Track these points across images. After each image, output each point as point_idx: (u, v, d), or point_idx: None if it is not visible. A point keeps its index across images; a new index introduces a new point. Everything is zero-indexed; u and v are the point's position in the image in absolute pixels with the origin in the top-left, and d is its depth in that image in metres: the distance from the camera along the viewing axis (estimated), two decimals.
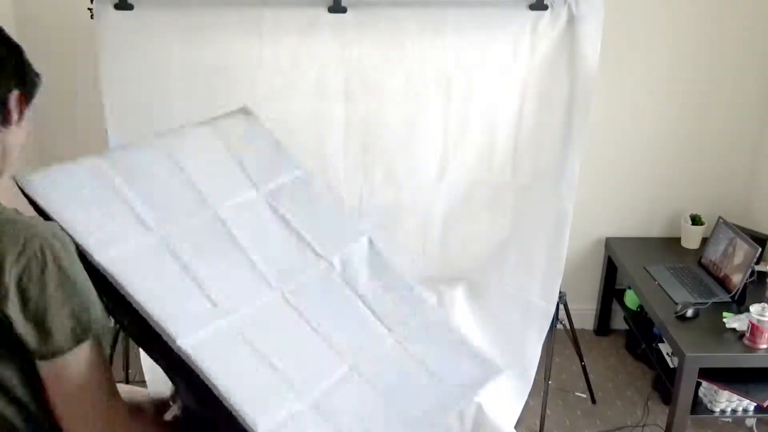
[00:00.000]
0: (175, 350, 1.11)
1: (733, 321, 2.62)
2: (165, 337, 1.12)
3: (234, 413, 1.08)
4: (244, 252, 1.29)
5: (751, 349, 2.49)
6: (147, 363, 2.67)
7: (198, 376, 1.10)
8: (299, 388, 1.16)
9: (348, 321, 1.30)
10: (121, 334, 2.76)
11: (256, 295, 1.25)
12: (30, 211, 1.18)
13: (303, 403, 1.15)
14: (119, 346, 2.83)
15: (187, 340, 1.11)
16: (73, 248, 1.11)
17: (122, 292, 1.13)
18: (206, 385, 1.10)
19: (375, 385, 1.21)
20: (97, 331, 1.10)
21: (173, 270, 1.20)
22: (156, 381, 2.67)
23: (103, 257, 1.14)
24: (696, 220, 3.23)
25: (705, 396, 2.68)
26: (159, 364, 1.33)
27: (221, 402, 1.09)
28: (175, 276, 1.20)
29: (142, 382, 2.72)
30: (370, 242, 1.44)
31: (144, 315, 1.13)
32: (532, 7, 2.51)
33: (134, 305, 1.13)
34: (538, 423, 2.80)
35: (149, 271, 1.17)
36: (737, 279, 2.77)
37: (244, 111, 1.59)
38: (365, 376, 1.21)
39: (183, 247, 1.23)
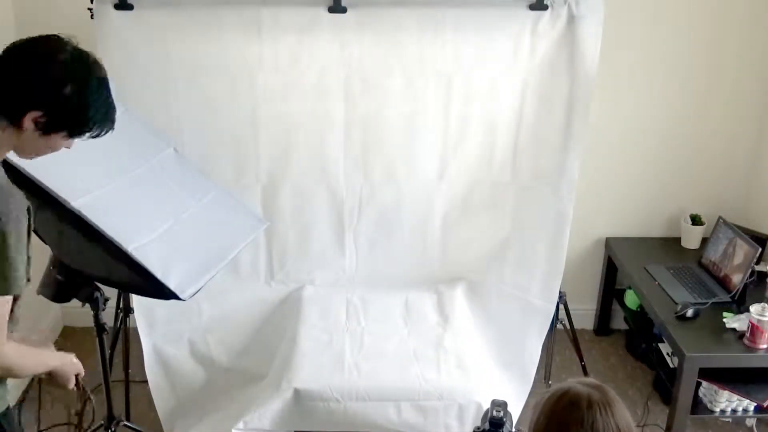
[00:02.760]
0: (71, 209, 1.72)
1: (733, 321, 2.62)
2: (62, 202, 1.71)
3: (112, 241, 1.74)
4: (104, 156, 1.96)
5: (751, 349, 2.49)
6: (149, 364, 2.67)
7: (86, 225, 1.72)
8: (151, 228, 1.89)
9: (170, 194, 2.09)
10: (122, 336, 2.76)
11: (111, 180, 1.97)
12: None
13: (154, 235, 1.88)
14: (119, 347, 2.83)
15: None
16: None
17: (36, 182, 1.71)
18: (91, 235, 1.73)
19: (191, 226, 2.02)
20: (15, 291, 1.43)
21: (71, 164, 1.77)
22: (156, 380, 2.68)
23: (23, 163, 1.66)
24: (696, 220, 3.23)
25: (705, 396, 2.68)
26: (51, 236, 1.91)
27: (104, 242, 1.73)
28: (75, 170, 1.82)
29: (144, 382, 2.72)
30: (176, 151, 2.22)
31: (45, 188, 1.70)
32: (532, 7, 2.51)
33: (44, 189, 1.71)
34: None
35: (56, 165, 1.75)
36: (737, 279, 2.77)
37: None
38: (183, 223, 2.01)
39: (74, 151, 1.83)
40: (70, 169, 1.83)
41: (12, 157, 1.69)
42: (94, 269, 1.95)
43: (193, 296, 1.84)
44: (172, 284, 1.78)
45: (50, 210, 1.74)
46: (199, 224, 2.03)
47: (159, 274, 1.77)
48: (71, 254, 1.93)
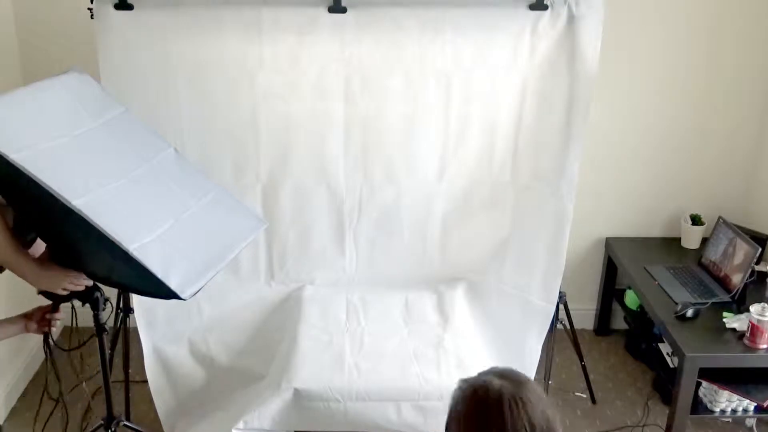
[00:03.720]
0: (73, 209, 1.70)
1: (733, 321, 2.62)
2: (63, 200, 1.69)
3: (113, 241, 1.72)
4: (105, 156, 1.98)
5: (751, 349, 2.49)
6: (149, 364, 2.67)
7: (87, 225, 1.71)
8: (151, 227, 1.86)
9: (170, 194, 2.05)
10: (122, 336, 2.76)
11: (112, 180, 1.94)
12: None
13: (154, 234, 1.85)
14: (119, 347, 2.83)
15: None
16: None
17: (35, 179, 1.69)
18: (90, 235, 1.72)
19: (191, 226, 1.99)
20: None
21: (72, 164, 1.83)
22: (156, 380, 2.68)
23: (18, 156, 1.70)
24: (696, 220, 3.23)
25: (705, 396, 2.68)
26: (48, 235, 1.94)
27: (105, 241, 1.72)
28: (76, 169, 1.83)
29: (144, 382, 2.72)
30: (176, 151, 2.18)
31: (46, 187, 1.69)
32: (532, 7, 2.51)
33: (45, 187, 1.69)
34: None
35: (57, 165, 1.79)
36: (737, 279, 2.77)
37: (77, 71, 2.17)
38: (184, 223, 1.97)
39: (75, 151, 1.90)
40: (71, 169, 1.84)
41: (12, 155, 1.70)
42: (95, 269, 1.96)
43: (193, 296, 1.84)
44: (172, 284, 1.78)
45: (51, 209, 1.74)
46: (200, 224, 2.02)
47: (160, 273, 1.77)
48: (72, 253, 1.93)
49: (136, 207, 1.91)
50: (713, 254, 2.97)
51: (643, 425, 2.90)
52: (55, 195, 1.71)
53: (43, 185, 1.71)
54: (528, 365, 2.77)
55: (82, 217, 1.72)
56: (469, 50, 2.59)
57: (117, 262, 1.77)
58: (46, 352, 2.13)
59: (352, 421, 2.37)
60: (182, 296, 1.80)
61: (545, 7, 2.50)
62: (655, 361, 3.10)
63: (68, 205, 1.71)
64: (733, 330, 2.59)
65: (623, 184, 3.28)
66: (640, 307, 3.20)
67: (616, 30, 2.91)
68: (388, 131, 2.71)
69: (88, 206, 1.75)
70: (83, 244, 1.81)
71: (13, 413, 2.86)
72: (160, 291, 1.79)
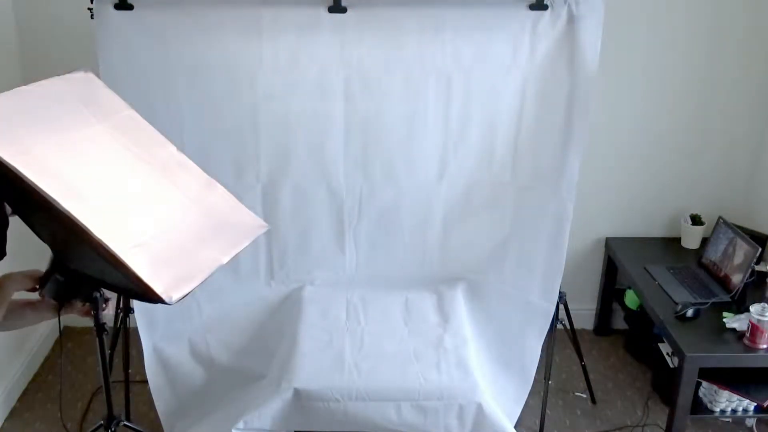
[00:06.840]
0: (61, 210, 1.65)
1: (733, 321, 2.62)
2: (53, 202, 1.63)
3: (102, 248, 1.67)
4: (104, 157, 1.94)
5: (751, 349, 2.49)
6: (149, 364, 2.67)
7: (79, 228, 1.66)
8: (145, 229, 1.83)
9: (167, 195, 2.00)
10: (122, 336, 2.76)
11: (109, 181, 1.91)
12: None
13: (146, 236, 1.81)
14: (119, 347, 2.83)
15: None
16: None
17: (27, 180, 1.63)
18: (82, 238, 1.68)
19: (188, 228, 1.94)
20: None
21: (69, 165, 1.79)
22: (156, 380, 2.68)
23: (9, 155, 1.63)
24: (696, 220, 3.23)
25: (705, 396, 2.68)
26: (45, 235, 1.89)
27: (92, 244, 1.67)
28: (72, 170, 1.79)
29: (144, 382, 2.72)
30: (176, 149, 2.13)
31: (36, 188, 1.63)
32: (532, 7, 2.51)
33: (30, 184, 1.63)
34: (538, 423, 2.80)
35: (53, 166, 1.74)
36: (737, 279, 2.77)
37: (85, 70, 2.14)
38: (180, 225, 1.93)
39: (73, 152, 1.85)
40: (67, 170, 1.83)
41: (2, 153, 1.69)
42: (89, 270, 1.95)
43: (180, 300, 1.82)
44: (159, 288, 1.76)
45: (42, 210, 1.73)
46: (197, 227, 2.01)
47: (146, 277, 1.75)
48: (67, 254, 1.93)
49: (132, 209, 1.90)
50: (713, 254, 2.97)
51: (643, 425, 2.90)
52: (46, 196, 1.70)
53: (35, 186, 1.70)
54: (528, 365, 2.77)
55: (72, 219, 1.72)
56: (469, 50, 2.59)
57: (107, 264, 1.76)
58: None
59: (352, 421, 2.37)
60: (168, 301, 1.78)
61: (545, 7, 2.50)
62: (655, 361, 3.10)
63: (58, 206, 1.71)
64: (733, 330, 2.59)
65: (623, 184, 3.28)
66: (640, 307, 3.20)
67: (616, 30, 2.91)
68: (388, 131, 2.71)
69: (79, 208, 1.74)
70: (76, 245, 1.80)
71: (13, 413, 2.86)
72: (147, 295, 1.78)
